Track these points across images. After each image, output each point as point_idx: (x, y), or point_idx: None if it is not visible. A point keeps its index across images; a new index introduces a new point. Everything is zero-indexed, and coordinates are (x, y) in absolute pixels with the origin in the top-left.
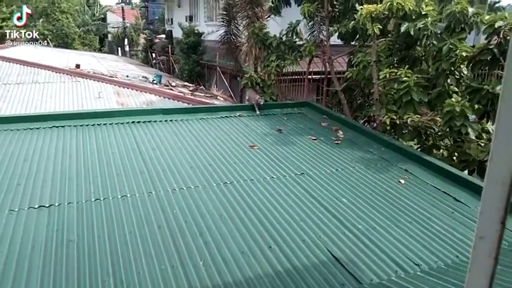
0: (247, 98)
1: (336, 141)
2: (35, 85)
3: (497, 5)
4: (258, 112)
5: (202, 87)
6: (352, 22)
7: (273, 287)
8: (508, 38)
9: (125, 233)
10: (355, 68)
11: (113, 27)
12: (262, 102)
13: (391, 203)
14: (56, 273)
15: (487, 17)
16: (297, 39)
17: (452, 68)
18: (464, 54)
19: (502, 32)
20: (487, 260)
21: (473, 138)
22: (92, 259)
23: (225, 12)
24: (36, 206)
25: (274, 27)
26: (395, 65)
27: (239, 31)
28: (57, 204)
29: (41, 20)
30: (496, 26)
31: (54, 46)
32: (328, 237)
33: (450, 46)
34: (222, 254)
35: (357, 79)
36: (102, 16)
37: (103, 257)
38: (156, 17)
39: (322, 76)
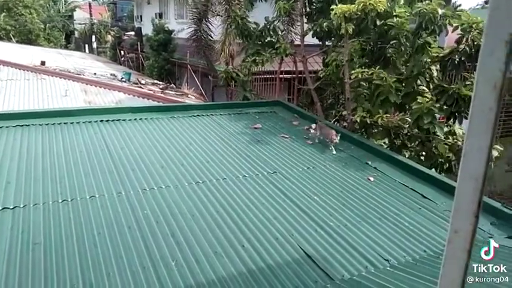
0: (317, 133)
1: (308, 141)
2: None
3: (459, 8)
4: (334, 152)
5: (172, 85)
6: (326, 22)
7: (247, 285)
8: (476, 42)
9: (93, 234)
10: (328, 68)
11: (79, 24)
12: (336, 141)
13: (360, 200)
14: (21, 277)
15: (456, 20)
16: (273, 36)
17: (423, 70)
18: (435, 54)
19: (470, 36)
20: (462, 253)
21: (441, 137)
22: (59, 262)
23: (195, 10)
24: (0, 208)
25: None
26: (368, 64)
27: (210, 29)
28: (22, 206)
29: (3, 14)
30: (467, 29)
31: (17, 42)
32: (300, 235)
33: (425, 43)
34: (194, 254)
35: (329, 78)
36: (70, 13)
37: (71, 259)
38: (125, 14)
39: (293, 75)
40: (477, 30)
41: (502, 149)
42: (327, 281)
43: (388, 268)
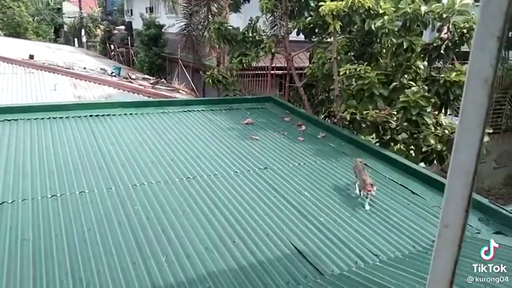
0: (355, 177)
1: (299, 137)
2: None
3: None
4: (367, 207)
5: (163, 80)
6: (309, 18)
7: (237, 281)
8: (458, 28)
9: (83, 230)
10: (314, 65)
11: (68, 17)
12: (373, 193)
13: (350, 196)
14: (9, 273)
15: (433, 6)
16: (256, 36)
17: (409, 63)
18: (419, 49)
19: (450, 22)
20: (452, 248)
21: (431, 126)
22: (48, 258)
23: (186, 5)
24: None
25: (239, 23)
26: (354, 61)
27: (200, 24)
28: (10, 201)
29: None
30: (444, 17)
31: (5, 35)
32: (291, 231)
33: (408, 43)
34: (185, 250)
35: (316, 76)
36: (58, 6)
37: (60, 256)
38: (115, 8)
39: (285, 72)
40: (455, 12)
41: (490, 131)
42: (317, 276)
43: (377, 263)
